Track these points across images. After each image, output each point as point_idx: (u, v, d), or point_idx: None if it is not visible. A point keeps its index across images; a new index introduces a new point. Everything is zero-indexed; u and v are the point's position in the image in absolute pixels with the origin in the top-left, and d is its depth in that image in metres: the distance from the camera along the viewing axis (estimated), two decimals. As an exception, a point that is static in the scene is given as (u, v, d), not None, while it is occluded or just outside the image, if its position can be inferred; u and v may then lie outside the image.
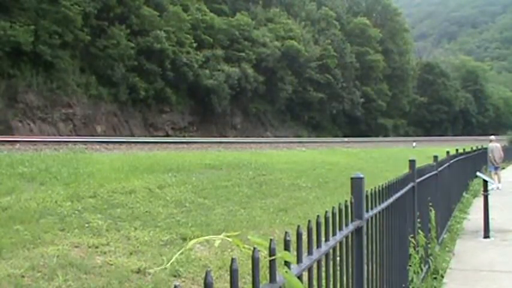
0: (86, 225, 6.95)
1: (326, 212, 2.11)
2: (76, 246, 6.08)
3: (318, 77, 53.24)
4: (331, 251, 2.13)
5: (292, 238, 1.61)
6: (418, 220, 5.27)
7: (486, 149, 17.68)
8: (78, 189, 8.72)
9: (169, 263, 2.00)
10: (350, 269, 2.51)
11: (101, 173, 10.36)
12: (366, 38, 63.39)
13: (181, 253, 1.53)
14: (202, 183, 10.93)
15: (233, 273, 1.30)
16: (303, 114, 54.03)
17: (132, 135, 32.44)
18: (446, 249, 7.24)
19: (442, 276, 5.84)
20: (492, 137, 18.25)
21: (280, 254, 1.50)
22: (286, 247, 1.59)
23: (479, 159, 17.12)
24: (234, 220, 8.30)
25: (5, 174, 9.26)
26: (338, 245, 2.25)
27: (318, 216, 1.99)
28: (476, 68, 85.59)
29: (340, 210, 2.31)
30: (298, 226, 1.71)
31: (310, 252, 1.88)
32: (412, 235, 4.86)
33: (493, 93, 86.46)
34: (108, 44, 33.89)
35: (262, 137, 42.85)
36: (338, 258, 2.27)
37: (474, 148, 16.61)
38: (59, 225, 6.83)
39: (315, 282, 1.89)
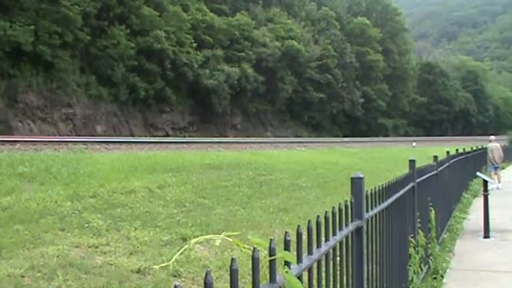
0: (86, 225, 6.95)
1: (326, 212, 2.11)
2: (76, 246, 6.07)
3: (318, 77, 53.26)
4: (331, 251, 2.13)
5: (292, 238, 1.61)
6: (418, 220, 5.27)
7: (486, 149, 17.69)
8: (78, 189, 8.73)
9: (172, 261, 1.99)
10: (350, 269, 2.51)
11: (101, 173, 10.36)
12: (366, 38, 63.41)
13: (182, 252, 1.52)
14: (202, 183, 10.93)
15: (233, 273, 1.30)
16: (303, 114, 54.04)
17: (132, 135, 32.44)
18: (446, 249, 7.23)
19: (442, 276, 5.84)
20: (492, 137, 18.26)
21: (280, 254, 1.50)
22: (286, 247, 1.59)
23: (479, 159, 17.11)
24: (234, 220, 8.31)
25: (5, 174, 9.26)
26: (338, 245, 2.24)
27: (318, 216, 1.99)
28: (476, 68, 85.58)
29: (340, 210, 2.31)
30: (298, 226, 1.71)
31: (310, 252, 1.87)
32: (412, 235, 4.85)
33: (493, 93, 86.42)
34: (108, 44, 33.89)
35: (262, 137, 42.85)
36: (338, 258, 2.27)
37: (474, 148, 16.60)
38: (59, 225, 6.83)
39: (315, 282, 1.89)
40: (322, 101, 53.83)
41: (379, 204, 3.33)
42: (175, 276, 5.48)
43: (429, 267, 5.81)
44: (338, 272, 2.25)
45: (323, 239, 2.05)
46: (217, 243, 1.47)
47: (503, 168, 21.28)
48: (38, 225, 6.68)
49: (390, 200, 3.72)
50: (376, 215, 3.21)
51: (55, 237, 6.34)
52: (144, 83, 36.25)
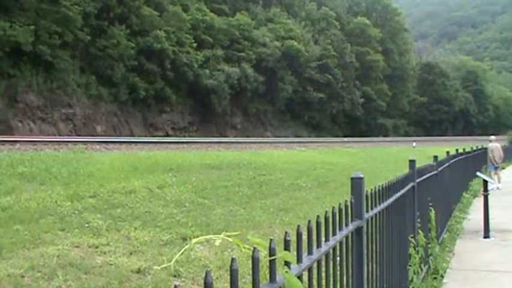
0: (86, 225, 6.95)
1: (326, 212, 2.11)
2: (76, 246, 6.08)
3: (318, 77, 53.23)
4: (331, 251, 2.13)
5: (292, 238, 1.61)
6: (418, 220, 5.27)
7: (486, 149, 17.68)
8: (78, 189, 8.73)
9: (173, 261, 2.00)
10: (350, 269, 2.51)
11: (101, 173, 10.37)
12: (366, 38, 63.38)
13: (183, 252, 1.53)
14: (202, 183, 10.94)
15: (233, 273, 1.30)
16: (303, 114, 54.02)
17: (132, 135, 32.44)
18: (446, 249, 7.23)
19: (442, 276, 5.84)
20: (492, 137, 18.25)
21: (280, 254, 1.50)
22: (286, 247, 1.59)
23: (479, 159, 17.11)
24: (234, 220, 8.30)
25: (5, 174, 9.26)
26: (338, 245, 2.24)
27: (318, 216, 1.99)
28: (476, 68, 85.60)
29: (340, 210, 2.31)
30: (298, 226, 1.71)
31: (310, 252, 1.87)
32: (412, 235, 4.85)
33: (493, 93, 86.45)
34: (108, 44, 33.88)
35: (262, 137, 42.84)
36: (338, 258, 2.27)
37: (474, 148, 16.60)
38: (59, 225, 6.83)
39: (315, 282, 1.89)
40: (322, 101, 53.81)
41: (379, 204, 3.33)
42: (175, 276, 5.48)
43: (429, 267, 5.81)
44: (338, 272, 2.25)
45: (323, 239, 2.05)
46: (217, 243, 1.47)
47: (503, 168, 21.28)
48: (38, 225, 6.68)
49: (390, 200, 3.72)
50: (376, 215, 3.21)
51: (55, 237, 6.34)
52: (144, 83, 36.24)
